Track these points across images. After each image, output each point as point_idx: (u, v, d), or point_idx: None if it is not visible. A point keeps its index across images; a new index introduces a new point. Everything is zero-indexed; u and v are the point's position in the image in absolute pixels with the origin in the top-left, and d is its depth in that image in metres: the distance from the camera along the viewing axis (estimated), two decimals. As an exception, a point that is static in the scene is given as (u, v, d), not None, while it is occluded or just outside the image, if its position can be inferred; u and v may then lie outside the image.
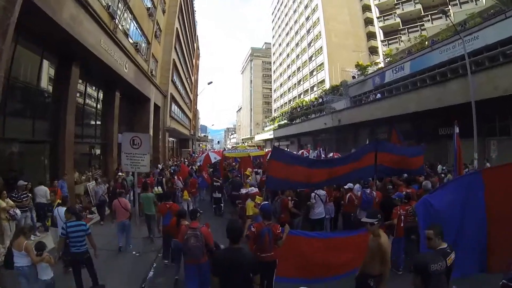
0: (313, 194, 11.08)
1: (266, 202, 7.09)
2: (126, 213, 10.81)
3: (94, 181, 16.45)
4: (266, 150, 31.28)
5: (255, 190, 11.75)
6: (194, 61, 71.28)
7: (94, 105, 20.56)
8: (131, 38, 22.96)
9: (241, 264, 4.51)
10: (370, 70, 43.61)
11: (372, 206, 10.14)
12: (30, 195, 11.65)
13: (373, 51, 60.96)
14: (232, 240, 4.74)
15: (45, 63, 14.44)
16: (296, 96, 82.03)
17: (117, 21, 18.51)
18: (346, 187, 11.96)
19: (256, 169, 20.71)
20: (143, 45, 26.53)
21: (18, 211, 10.32)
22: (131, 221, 11.21)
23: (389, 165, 10.90)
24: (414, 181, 12.23)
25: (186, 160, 36.54)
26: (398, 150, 11.67)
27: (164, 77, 36.33)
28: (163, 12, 33.66)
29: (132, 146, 11.63)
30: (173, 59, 38.52)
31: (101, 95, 21.27)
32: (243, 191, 12.74)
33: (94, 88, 20.42)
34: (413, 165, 11.76)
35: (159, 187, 15.24)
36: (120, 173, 17.14)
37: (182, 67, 48.03)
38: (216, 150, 30.05)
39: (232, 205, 15.57)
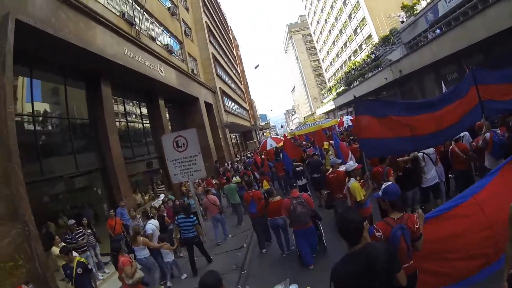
0: (420, 155, 8.76)
1: (389, 182, 4.55)
2: (216, 208, 12.10)
3: (159, 198, 15.24)
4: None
5: (354, 164, 8.49)
6: (235, 52, 69.98)
7: (139, 119, 19.60)
8: (159, 41, 21.79)
9: (373, 269, 2.98)
10: (419, 8, 39.61)
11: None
12: (89, 231, 10.84)
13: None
14: (351, 241, 3.21)
15: (70, 90, 13.40)
16: (346, 60, 78.00)
17: (137, 27, 17.26)
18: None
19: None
20: (175, 46, 25.30)
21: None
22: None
23: (499, 99, 8.06)
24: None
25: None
26: (502, 76, 8.49)
27: (208, 73, 34.96)
28: (187, 9, 32.54)
29: (176, 149, 8.84)
30: (212, 53, 37.08)
31: (144, 109, 20.34)
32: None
33: (135, 102, 19.48)
34: None
35: (237, 177, 15.96)
36: (162, 196, 15.45)
37: (223, 59, 46.73)
38: (274, 136, 27.85)
39: (315, 192, 13.26)
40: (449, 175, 10.04)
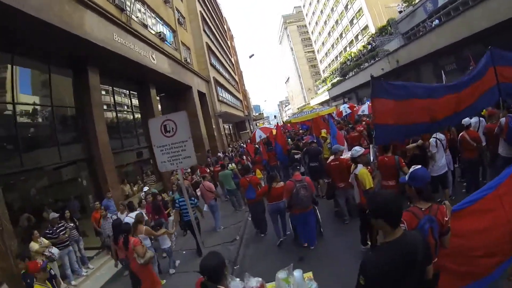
0: (433, 140, 8.22)
1: (418, 166, 3.81)
2: (211, 194, 12.03)
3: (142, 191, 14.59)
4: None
5: (360, 149, 7.62)
6: (229, 42, 69.31)
7: (130, 108, 18.99)
8: (152, 29, 21.06)
9: (413, 260, 2.66)
10: None
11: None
12: (71, 225, 10.17)
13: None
14: (394, 223, 2.77)
15: (55, 77, 12.83)
16: (341, 51, 77.71)
17: (128, 12, 16.51)
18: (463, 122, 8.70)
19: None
20: (167, 34, 24.62)
21: (54, 250, 8.76)
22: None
23: None
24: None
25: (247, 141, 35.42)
26: None
27: (201, 62, 34.31)
28: (181, -2, 31.80)
29: (164, 134, 7.48)
30: (206, 42, 36.60)
31: (135, 99, 19.77)
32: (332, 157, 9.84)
33: (125, 91, 18.83)
34: None
35: (232, 164, 16.02)
36: (146, 188, 14.48)
37: (217, 49, 46.30)
38: (263, 127, 27.08)
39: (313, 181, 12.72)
40: (454, 165, 9.53)
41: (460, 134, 8.65)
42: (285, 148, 15.88)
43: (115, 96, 17.41)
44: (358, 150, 7.42)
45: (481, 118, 9.32)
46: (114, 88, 17.32)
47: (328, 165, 9.61)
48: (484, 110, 8.79)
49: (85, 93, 13.41)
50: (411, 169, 3.89)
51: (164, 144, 7.36)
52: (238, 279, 3.74)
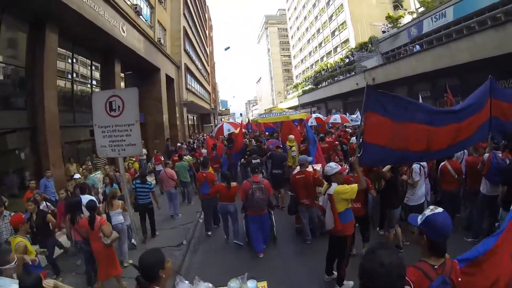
0: (416, 166, 7.49)
1: (438, 209, 2.72)
2: (172, 182, 11.81)
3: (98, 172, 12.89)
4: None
5: (336, 166, 6.24)
6: (207, 32, 68.09)
7: (89, 80, 17.47)
8: (129, -1, 19.49)
9: None
10: (404, 21, 39.71)
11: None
12: None
13: (396, 5, 55.82)
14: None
15: (6, 29, 11.30)
16: (318, 60, 78.33)
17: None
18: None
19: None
20: (144, 8, 23.14)
21: None
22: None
23: (507, 119, 6.94)
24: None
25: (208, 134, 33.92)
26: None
27: (175, 46, 33.02)
28: (165, -26, 30.48)
29: (109, 113, 5.94)
30: (183, 27, 35.45)
31: (96, 72, 18.31)
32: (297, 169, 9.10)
33: (87, 60, 17.30)
34: None
35: (189, 156, 16.29)
36: (76, 176, 11.94)
37: (194, 36, 45.27)
38: (231, 121, 25.72)
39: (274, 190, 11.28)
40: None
41: (442, 164, 8.19)
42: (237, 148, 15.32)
43: (74, 64, 15.85)
44: (333, 167, 6.18)
45: (464, 150, 8.73)
46: (74, 55, 15.78)
47: (293, 178, 8.68)
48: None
49: (38, 53, 11.86)
50: (427, 212, 2.81)
51: (107, 124, 5.87)
52: (187, 281, 3.66)
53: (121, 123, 5.77)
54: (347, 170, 7.12)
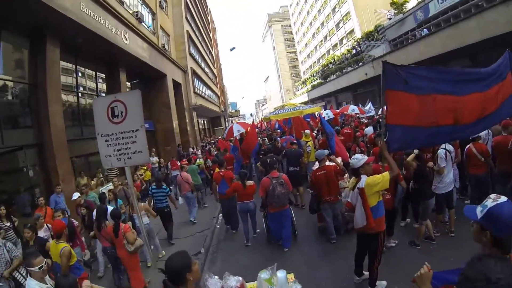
0: (442, 151, 7.00)
1: (501, 198, 2.33)
2: (188, 186, 11.78)
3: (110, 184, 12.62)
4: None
5: (363, 157, 5.72)
6: (211, 35, 67.83)
7: (95, 92, 17.20)
8: (129, 7, 19.33)
9: None
10: (409, 5, 39.12)
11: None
12: (8, 224, 8.29)
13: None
14: None
15: (6, 45, 11.13)
16: (324, 53, 78.05)
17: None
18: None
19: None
20: (146, 15, 22.95)
21: None
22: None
23: None
24: None
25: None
26: None
27: (180, 51, 32.72)
28: (164, -21, 30.34)
29: (111, 120, 5.45)
30: (187, 31, 35.19)
31: (101, 84, 18.02)
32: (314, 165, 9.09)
33: (91, 71, 17.10)
34: None
35: (201, 159, 16.52)
36: (75, 196, 10.36)
37: (198, 39, 44.92)
38: (241, 121, 25.16)
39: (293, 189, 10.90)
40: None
41: (467, 147, 7.76)
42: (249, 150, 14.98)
43: (78, 77, 15.64)
44: (359, 158, 5.66)
45: (489, 131, 8.34)
46: (78, 67, 15.55)
47: (314, 175, 8.18)
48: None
49: (41, 68, 11.63)
50: (489, 203, 2.34)
51: (110, 132, 5.33)
52: (216, 277, 3.62)
53: (125, 129, 5.28)
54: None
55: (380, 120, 8.66)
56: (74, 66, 15.15)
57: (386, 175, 5.15)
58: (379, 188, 5.20)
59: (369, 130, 14.38)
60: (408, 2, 40.45)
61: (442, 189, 6.99)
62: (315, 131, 16.20)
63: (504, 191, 7.18)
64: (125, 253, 6.58)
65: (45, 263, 4.44)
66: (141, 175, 14.83)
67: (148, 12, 23.94)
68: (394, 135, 5.10)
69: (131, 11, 19.36)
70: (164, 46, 26.37)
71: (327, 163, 8.16)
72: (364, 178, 5.38)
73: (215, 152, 18.81)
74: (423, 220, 6.93)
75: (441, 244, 6.89)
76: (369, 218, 5.26)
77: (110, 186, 12.16)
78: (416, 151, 7.10)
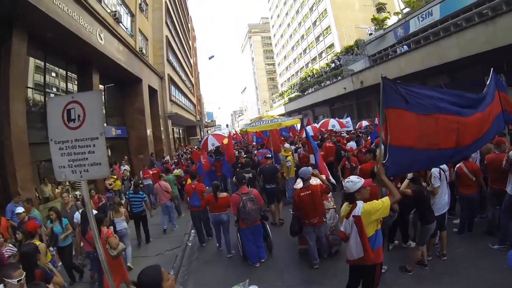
0: (436, 170, 6.53)
1: None
2: (167, 195, 11.91)
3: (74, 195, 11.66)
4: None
5: (359, 180, 4.82)
6: (191, 42, 67.47)
7: (64, 92, 16.00)
8: (107, 5, 18.59)
9: None
10: (390, 22, 39.68)
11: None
12: None
13: (380, 8, 55.69)
14: None
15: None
16: (303, 66, 78.37)
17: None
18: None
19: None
20: (124, 16, 22.21)
21: None
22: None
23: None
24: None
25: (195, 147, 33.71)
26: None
27: (158, 56, 32.00)
28: (146, -16, 29.69)
29: (66, 124, 4.45)
30: (166, 36, 34.47)
31: (71, 84, 16.97)
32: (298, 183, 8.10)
33: (61, 70, 16.11)
34: None
35: (179, 169, 16.59)
36: (19, 210, 8.86)
37: (178, 46, 44.41)
38: (215, 133, 24.10)
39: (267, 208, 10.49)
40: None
41: (457, 166, 7.53)
42: (231, 162, 14.21)
43: (46, 75, 14.63)
44: (355, 181, 4.77)
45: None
46: (47, 64, 14.57)
47: (297, 196, 7.32)
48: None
49: (5, 60, 10.61)
50: None
51: (65, 139, 4.35)
52: None
53: (82, 136, 4.32)
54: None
55: (360, 134, 8.12)
56: (43, 64, 14.19)
57: (386, 200, 4.48)
58: (379, 216, 4.51)
59: (352, 145, 13.97)
60: (389, 18, 41.42)
61: (437, 211, 6.48)
62: (294, 146, 15.48)
63: (496, 209, 7.12)
64: (108, 258, 6.24)
65: (23, 277, 4.17)
66: (110, 184, 13.99)
67: (127, 13, 23.32)
68: (394, 158, 4.57)
69: (108, 10, 18.70)
70: (141, 50, 25.67)
71: (312, 181, 7.49)
72: (360, 204, 4.62)
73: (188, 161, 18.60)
74: (420, 245, 6.32)
75: (434, 270, 6.43)
76: (367, 250, 4.55)
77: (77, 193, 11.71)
78: (410, 175, 6.48)
